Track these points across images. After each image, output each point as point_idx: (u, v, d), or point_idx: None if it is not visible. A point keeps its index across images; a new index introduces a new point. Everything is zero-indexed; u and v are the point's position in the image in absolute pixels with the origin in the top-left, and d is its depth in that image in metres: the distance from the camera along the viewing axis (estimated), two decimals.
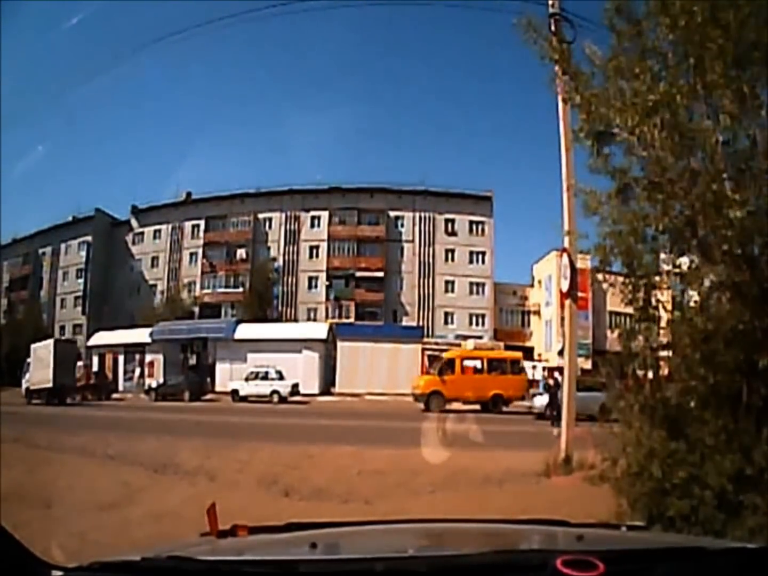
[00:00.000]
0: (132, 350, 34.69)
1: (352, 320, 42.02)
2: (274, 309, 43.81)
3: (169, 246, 48.97)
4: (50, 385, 23.38)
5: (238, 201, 47.05)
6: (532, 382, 26.23)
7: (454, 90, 68.64)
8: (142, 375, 33.62)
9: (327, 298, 44.35)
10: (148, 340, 33.99)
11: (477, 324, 43.84)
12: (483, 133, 68.87)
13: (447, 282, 44.66)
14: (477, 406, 21.56)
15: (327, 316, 42.28)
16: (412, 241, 45.31)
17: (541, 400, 20.09)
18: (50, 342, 25.26)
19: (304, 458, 10.07)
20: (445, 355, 24.64)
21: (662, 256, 4.98)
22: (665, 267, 4.94)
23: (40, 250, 51.36)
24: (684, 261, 4.82)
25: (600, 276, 5.89)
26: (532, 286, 45.51)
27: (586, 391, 19.64)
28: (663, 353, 4.95)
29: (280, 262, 45.85)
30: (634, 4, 4.96)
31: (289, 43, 67.46)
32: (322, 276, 44.99)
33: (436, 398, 21.60)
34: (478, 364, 23.42)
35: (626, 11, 4.95)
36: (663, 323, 4.99)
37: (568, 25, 8.42)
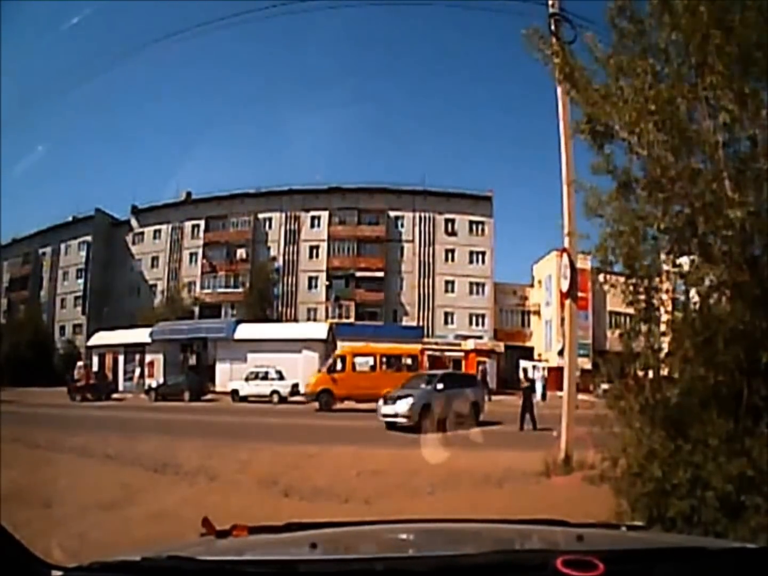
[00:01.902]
0: (132, 350, 34.67)
1: (352, 320, 42.04)
2: (274, 309, 43.81)
3: (169, 246, 49.00)
4: None
5: (238, 201, 47.09)
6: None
7: (455, 90, 68.84)
8: (142, 375, 33.60)
9: (327, 298, 44.35)
10: (148, 340, 33.97)
11: (477, 324, 43.85)
12: (483, 132, 69.01)
13: (447, 282, 44.68)
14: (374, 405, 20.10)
15: (327, 316, 42.27)
16: (412, 241, 45.33)
17: (401, 406, 14.49)
18: None
19: (305, 458, 10.09)
20: (337, 351, 23.26)
21: (662, 256, 4.98)
22: (666, 267, 4.94)
23: (40, 250, 51.39)
24: (684, 261, 4.82)
25: (600, 276, 5.89)
26: (532, 286, 45.54)
27: (454, 386, 15.82)
28: (663, 353, 4.95)
29: (280, 262, 45.86)
30: (637, 4, 4.96)
31: (288, 42, 67.53)
32: (322, 276, 45.00)
33: (326, 397, 20.91)
34: (371, 360, 22.49)
35: (629, 10, 4.95)
36: (663, 323, 4.99)
37: (568, 25, 8.44)
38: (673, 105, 4.39)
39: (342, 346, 23.50)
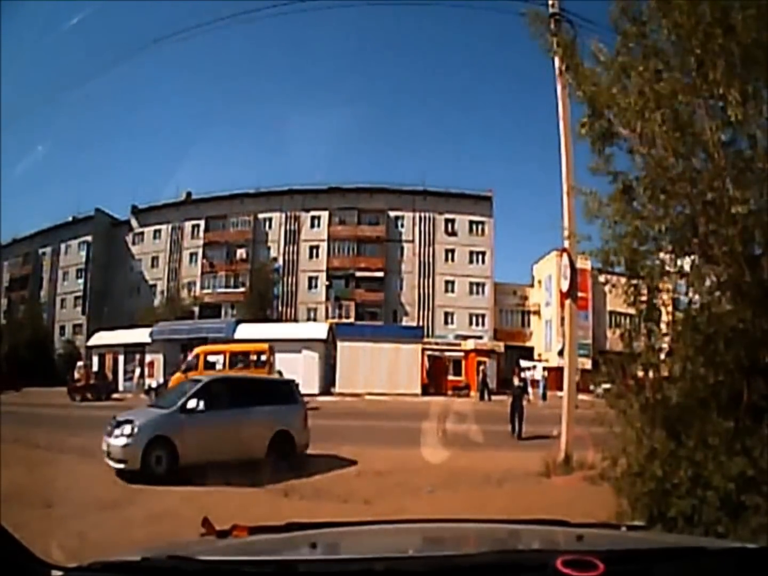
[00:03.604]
0: (132, 350, 34.66)
1: (352, 320, 41.99)
2: (274, 309, 43.80)
3: (169, 246, 48.96)
4: None
5: (238, 201, 47.04)
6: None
7: (454, 90, 68.74)
8: (142, 375, 33.55)
9: (327, 298, 44.33)
10: (148, 340, 33.97)
11: (477, 324, 43.83)
12: (483, 133, 68.92)
13: (447, 282, 44.65)
14: None
15: (327, 316, 42.24)
16: (412, 241, 45.31)
17: (118, 439, 8.40)
18: None
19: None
20: (194, 351, 23.88)
21: (663, 256, 4.97)
22: (666, 267, 4.93)
23: (40, 250, 51.33)
24: (685, 261, 4.81)
25: (601, 277, 5.90)
26: (532, 286, 45.51)
27: (234, 403, 9.27)
28: (664, 353, 4.94)
29: (280, 262, 45.83)
30: (638, 5, 4.96)
31: (288, 43, 67.65)
32: (322, 276, 44.98)
33: None
34: (221, 359, 23.04)
35: (631, 12, 4.95)
36: (664, 323, 4.99)
37: (568, 25, 8.43)
38: (675, 99, 4.38)
39: (198, 347, 24.46)
